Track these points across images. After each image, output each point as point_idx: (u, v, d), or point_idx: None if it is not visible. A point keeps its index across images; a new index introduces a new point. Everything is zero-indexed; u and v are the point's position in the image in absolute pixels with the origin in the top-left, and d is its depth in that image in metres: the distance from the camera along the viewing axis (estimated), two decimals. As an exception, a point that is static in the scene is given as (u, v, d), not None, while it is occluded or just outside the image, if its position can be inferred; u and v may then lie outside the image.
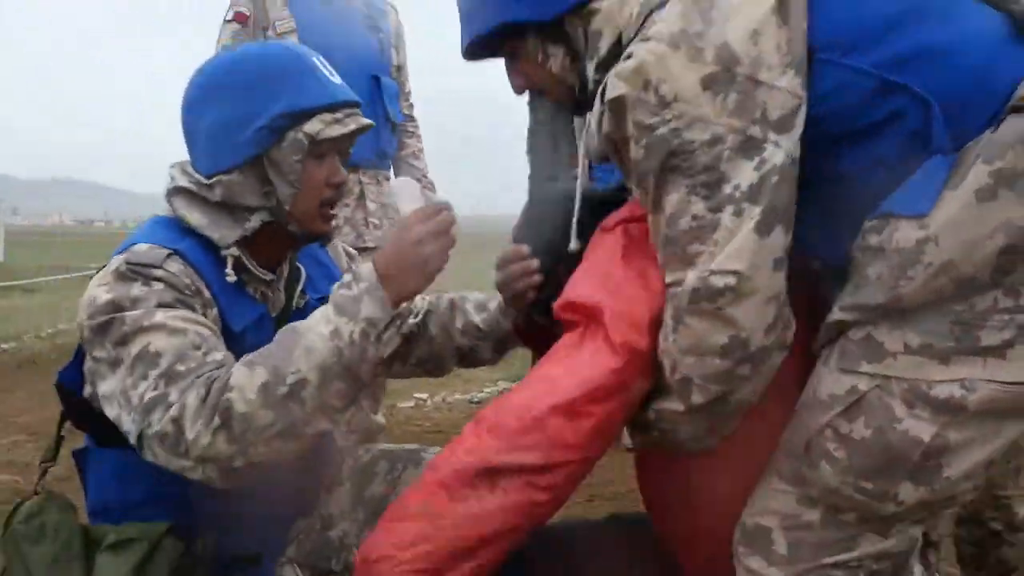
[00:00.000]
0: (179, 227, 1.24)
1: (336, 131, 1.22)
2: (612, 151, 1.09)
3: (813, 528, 1.05)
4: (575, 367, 1.09)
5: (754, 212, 0.98)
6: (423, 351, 1.54)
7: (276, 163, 1.21)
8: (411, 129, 2.80)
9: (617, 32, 1.13)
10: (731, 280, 0.99)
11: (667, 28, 1.01)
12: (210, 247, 1.23)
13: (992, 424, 0.97)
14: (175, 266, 1.18)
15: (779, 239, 1.00)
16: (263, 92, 1.19)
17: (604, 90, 1.06)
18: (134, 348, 1.12)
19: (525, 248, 1.32)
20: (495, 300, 1.46)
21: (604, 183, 1.35)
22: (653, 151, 1.01)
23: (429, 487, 1.09)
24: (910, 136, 0.99)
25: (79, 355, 1.24)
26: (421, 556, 1.06)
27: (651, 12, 1.05)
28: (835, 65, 1.01)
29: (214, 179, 1.21)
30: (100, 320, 1.14)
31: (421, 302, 1.53)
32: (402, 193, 1.39)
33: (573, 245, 1.24)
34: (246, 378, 1.10)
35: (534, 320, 1.35)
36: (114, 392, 1.14)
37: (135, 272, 1.16)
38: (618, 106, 1.03)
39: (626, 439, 1.18)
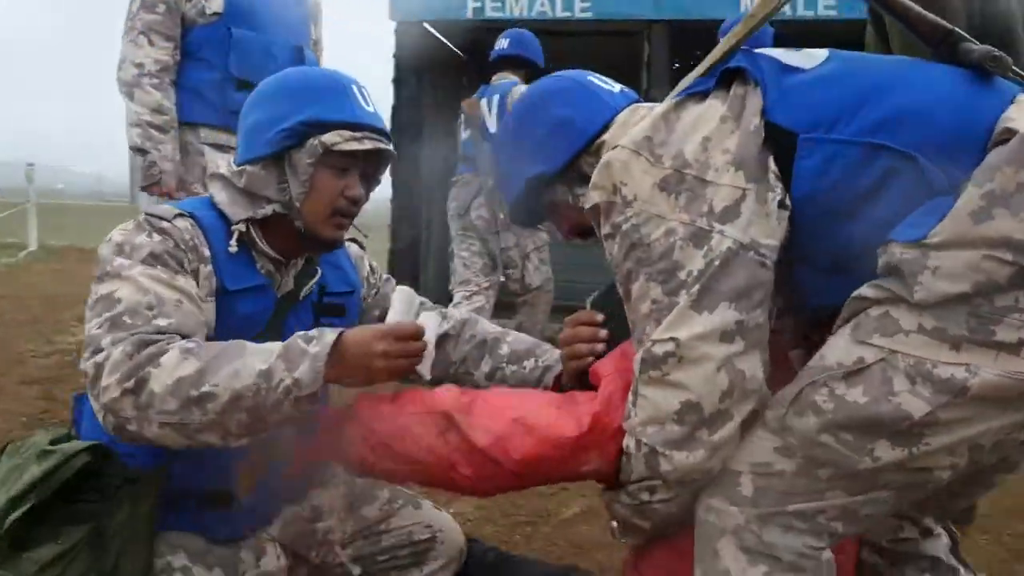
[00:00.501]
0: (209, 203, 1.38)
1: (350, 146, 1.32)
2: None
3: (784, 476, 1.07)
4: (559, 412, 1.22)
5: (694, 289, 1.07)
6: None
7: (293, 164, 1.34)
8: None
9: None
10: (670, 347, 1.08)
11: (633, 136, 1.15)
12: (227, 222, 1.35)
13: (990, 409, 0.98)
14: (182, 223, 1.31)
15: (725, 315, 1.07)
16: (296, 101, 1.34)
17: (585, 203, 1.19)
18: (103, 289, 1.22)
19: (599, 316, 1.38)
20: (533, 357, 1.52)
21: None
22: (621, 245, 1.13)
23: (403, 400, 1.28)
24: (912, 187, 1.04)
25: None
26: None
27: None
28: (820, 142, 1.08)
29: (241, 167, 1.36)
30: (104, 255, 1.27)
31: (442, 322, 1.54)
32: (398, 301, 1.40)
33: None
34: (174, 363, 1.15)
35: (580, 381, 1.38)
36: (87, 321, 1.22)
37: (148, 222, 1.29)
38: (595, 211, 1.17)
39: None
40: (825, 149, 1.08)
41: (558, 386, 1.46)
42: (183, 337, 1.20)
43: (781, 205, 1.09)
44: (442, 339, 1.51)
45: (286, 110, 1.34)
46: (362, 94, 1.39)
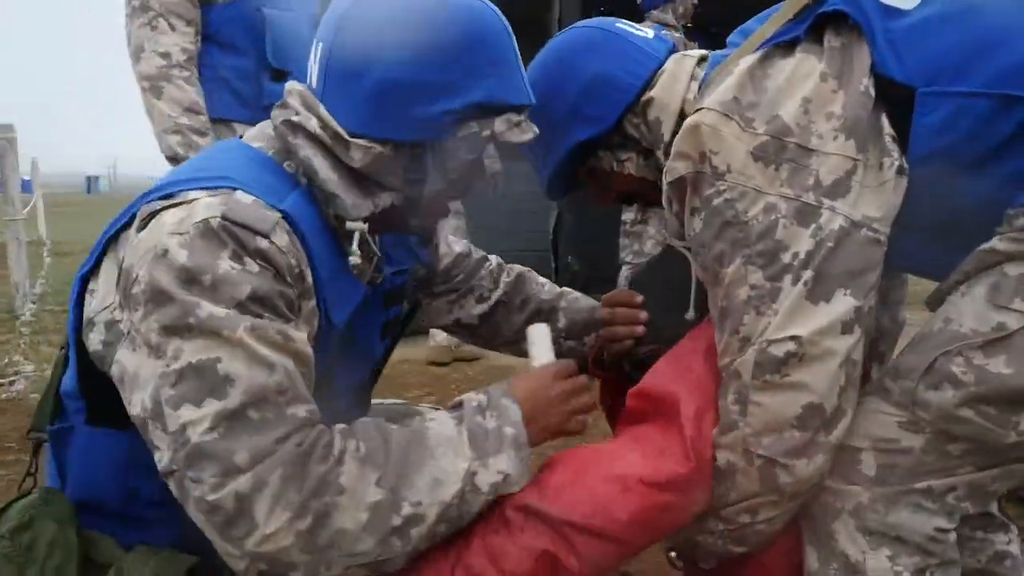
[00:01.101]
0: (285, 171, 0.99)
1: (516, 136, 1.03)
2: (683, 228, 1.09)
3: (911, 453, 1.00)
4: (647, 451, 1.06)
5: (807, 276, 0.97)
6: (482, 331, 1.42)
7: (443, 153, 1.01)
8: None
9: (676, 113, 1.15)
10: (791, 346, 0.97)
11: (720, 97, 1.02)
12: (314, 202, 0.98)
13: None
14: (283, 238, 0.92)
15: (844, 304, 0.98)
16: (466, 67, 0.97)
17: (665, 179, 1.07)
18: (193, 352, 0.85)
19: (639, 297, 1.30)
20: (593, 333, 1.38)
21: None
22: (710, 222, 1.01)
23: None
24: None
25: (82, 284, 0.99)
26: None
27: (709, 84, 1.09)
28: (943, 96, 0.98)
29: (361, 141, 0.97)
30: (163, 286, 0.85)
31: (492, 287, 1.40)
32: (536, 340, 1.20)
33: (690, 315, 1.23)
34: (357, 482, 0.88)
35: (616, 365, 1.33)
36: (143, 383, 0.87)
37: (231, 235, 0.87)
38: (679, 182, 1.05)
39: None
40: (949, 103, 0.98)
41: (596, 357, 1.37)
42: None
43: (900, 171, 1.00)
44: (494, 307, 1.39)
45: (451, 78, 0.96)
46: (516, 48, 1.05)
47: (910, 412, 1.00)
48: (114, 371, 0.91)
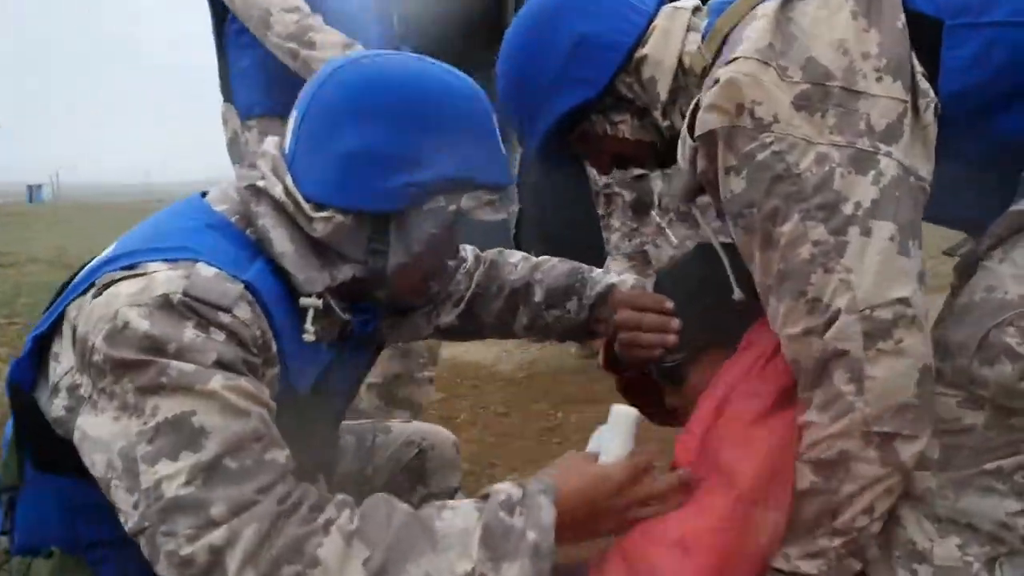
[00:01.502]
0: (247, 238, 0.97)
1: (486, 215, 1.01)
2: (709, 190, 1.03)
3: (974, 432, 0.97)
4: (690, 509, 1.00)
5: (886, 229, 0.91)
6: (465, 328, 1.36)
7: (406, 226, 0.99)
8: None
9: (672, 69, 1.10)
10: (899, 308, 0.91)
11: (754, 45, 0.95)
12: (277, 272, 0.96)
13: None
14: (245, 312, 0.90)
15: (918, 256, 0.94)
16: (435, 141, 0.96)
17: (692, 125, 1.00)
18: (169, 408, 0.83)
19: (669, 303, 1.16)
20: (574, 296, 1.31)
21: None
22: (757, 180, 0.93)
23: None
24: None
25: (36, 345, 0.96)
26: None
27: (727, 34, 1.01)
28: (973, 27, 0.94)
29: (324, 213, 0.96)
30: (127, 356, 0.84)
31: (468, 284, 1.33)
32: (619, 423, 1.07)
33: (737, 295, 1.10)
34: (338, 560, 0.84)
35: (635, 367, 1.22)
36: (108, 445, 0.84)
37: (192, 310, 0.86)
38: (710, 138, 0.96)
39: None
40: (979, 35, 0.94)
41: (608, 354, 1.27)
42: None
43: (936, 112, 0.96)
44: (470, 302, 1.33)
45: (415, 151, 0.96)
46: (496, 125, 1.05)
47: (967, 391, 0.96)
48: (76, 436, 0.89)
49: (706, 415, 1.05)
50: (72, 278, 0.99)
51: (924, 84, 0.96)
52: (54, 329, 0.95)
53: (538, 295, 1.32)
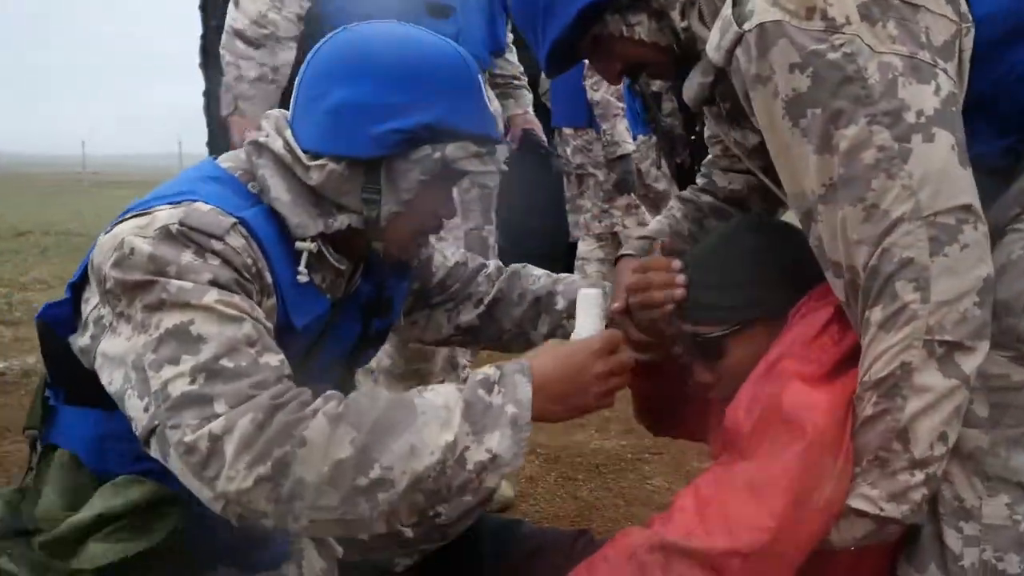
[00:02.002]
0: (249, 191, 1.09)
1: (474, 166, 1.10)
2: (742, 92, 1.00)
3: (1021, 389, 0.97)
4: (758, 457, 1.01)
5: (947, 139, 0.92)
6: (485, 330, 1.43)
7: (395, 173, 1.08)
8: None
9: None
10: (962, 215, 0.92)
11: None
12: (278, 219, 1.07)
13: None
14: (238, 240, 1.01)
15: (970, 172, 0.93)
16: (418, 91, 1.06)
17: (738, 19, 0.97)
18: (170, 320, 0.95)
19: (676, 262, 1.18)
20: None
21: None
22: (824, 79, 0.92)
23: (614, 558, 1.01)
24: None
25: (72, 291, 1.09)
26: None
27: None
28: None
29: (318, 161, 1.06)
30: (134, 277, 0.96)
31: (488, 288, 1.41)
32: (583, 306, 1.12)
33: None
34: (324, 438, 0.92)
35: (651, 335, 1.23)
36: (123, 359, 0.97)
37: (188, 238, 0.98)
38: (768, 34, 0.94)
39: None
40: None
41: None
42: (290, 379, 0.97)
43: (972, 39, 0.97)
44: (491, 305, 1.40)
45: (401, 100, 1.05)
46: (486, 86, 1.13)
47: (1015, 349, 0.97)
48: (97, 361, 1.00)
49: (758, 376, 1.06)
50: None
51: (964, 7, 0.96)
52: (84, 277, 1.06)
53: (560, 304, 1.38)
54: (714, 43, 1.02)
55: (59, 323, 1.09)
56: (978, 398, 0.99)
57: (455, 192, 1.98)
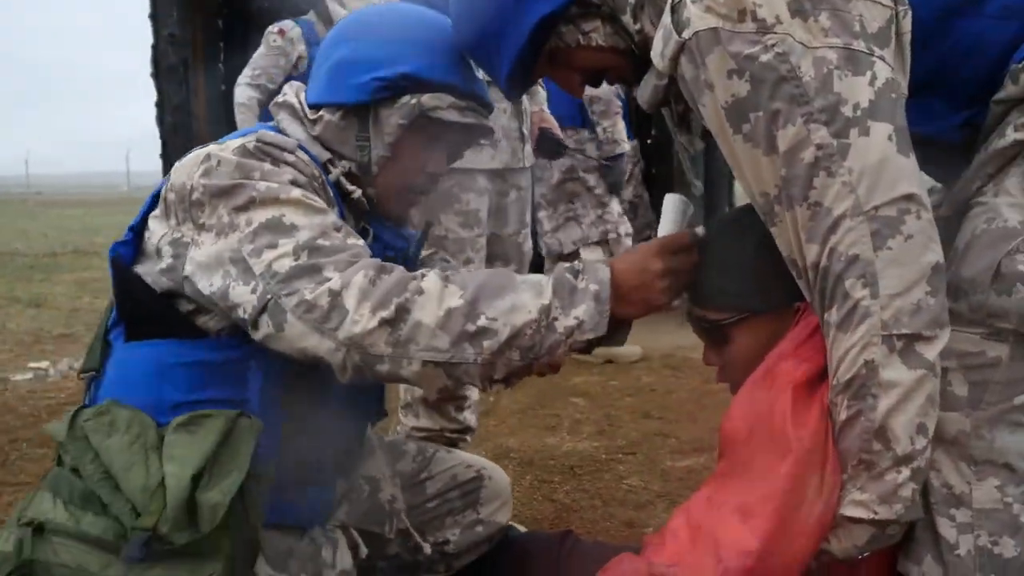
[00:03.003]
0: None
1: (451, 116, 1.20)
2: (690, 93, 1.00)
3: (1000, 366, 0.96)
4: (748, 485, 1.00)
5: (884, 129, 0.91)
6: None
7: (380, 120, 1.21)
8: None
9: None
10: (904, 204, 0.90)
11: None
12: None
13: None
14: (304, 156, 1.17)
15: (915, 162, 0.93)
16: (399, 47, 1.20)
17: (677, 28, 0.97)
18: (262, 215, 1.06)
19: (689, 235, 1.16)
20: None
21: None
22: (761, 82, 0.92)
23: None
24: None
25: (135, 231, 1.18)
26: None
27: None
28: None
29: (319, 112, 1.22)
30: (223, 183, 1.08)
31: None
32: (670, 211, 1.19)
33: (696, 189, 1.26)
34: (438, 290, 1.04)
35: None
36: (220, 258, 1.06)
37: (265, 152, 1.12)
38: (703, 42, 0.94)
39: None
40: None
41: None
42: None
43: (910, 22, 0.96)
44: None
45: (385, 54, 1.19)
46: (472, 63, 1.24)
47: (987, 326, 0.96)
48: (187, 269, 1.09)
49: (756, 380, 1.05)
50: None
51: None
52: (144, 218, 1.18)
53: None
54: (658, 51, 1.02)
55: (127, 259, 1.18)
56: (956, 378, 0.98)
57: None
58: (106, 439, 1.08)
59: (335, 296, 1.02)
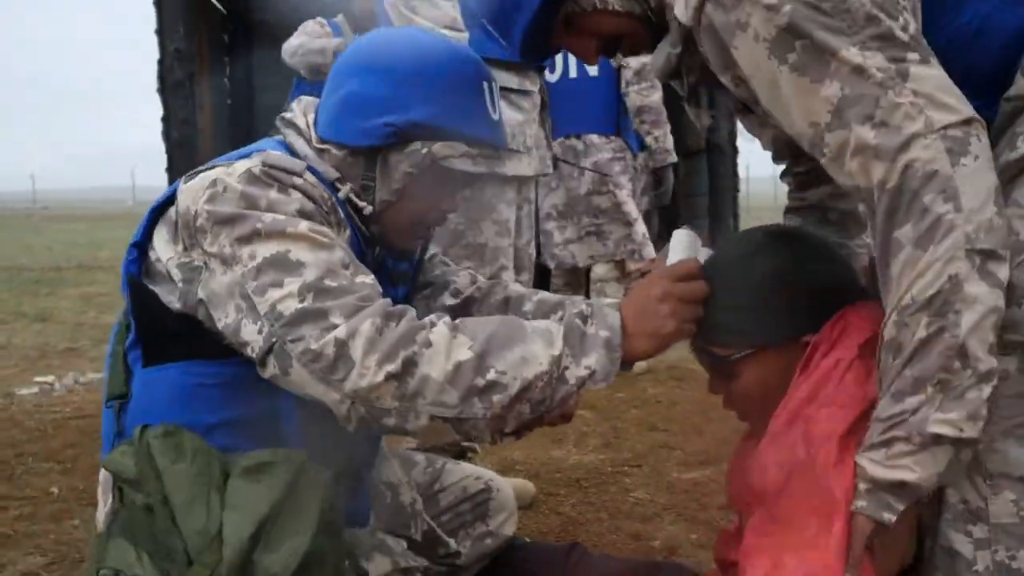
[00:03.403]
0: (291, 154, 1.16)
1: (464, 166, 1.17)
2: (718, 49, 1.00)
3: (1009, 378, 0.94)
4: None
5: (935, 58, 0.92)
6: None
7: (388, 165, 1.15)
8: None
9: None
10: (967, 128, 0.90)
11: None
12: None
13: None
14: (312, 178, 1.11)
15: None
16: (415, 90, 1.13)
17: None
18: (266, 250, 1.01)
19: (697, 260, 1.13)
20: (560, 310, 1.31)
21: None
22: (806, 12, 0.91)
23: None
24: None
25: (138, 247, 1.13)
26: None
27: None
28: None
29: (326, 146, 1.17)
30: (227, 211, 1.03)
31: (468, 284, 1.41)
32: (677, 244, 1.14)
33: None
34: (446, 342, 1.00)
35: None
36: (228, 292, 1.02)
37: (271, 177, 1.07)
38: None
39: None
40: None
41: None
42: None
43: None
44: (466, 301, 1.39)
45: (399, 96, 1.13)
46: (493, 94, 1.19)
47: (996, 338, 0.93)
48: (201, 294, 1.05)
49: (781, 428, 1.01)
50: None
51: None
52: (146, 237, 1.13)
53: (527, 306, 1.36)
54: (682, 3, 1.01)
55: (139, 277, 1.13)
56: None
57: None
58: (171, 464, 1.04)
59: (341, 346, 0.98)
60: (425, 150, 1.14)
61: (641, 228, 3.70)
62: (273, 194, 1.06)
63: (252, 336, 1.01)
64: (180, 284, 1.08)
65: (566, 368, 1.03)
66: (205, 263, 1.05)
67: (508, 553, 1.54)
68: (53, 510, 2.24)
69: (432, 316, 1.05)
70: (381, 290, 1.06)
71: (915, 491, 0.94)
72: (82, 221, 19.09)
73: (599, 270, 3.76)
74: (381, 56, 1.17)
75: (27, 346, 4.69)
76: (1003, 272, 0.90)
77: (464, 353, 1.00)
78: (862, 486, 0.95)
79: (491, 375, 1.00)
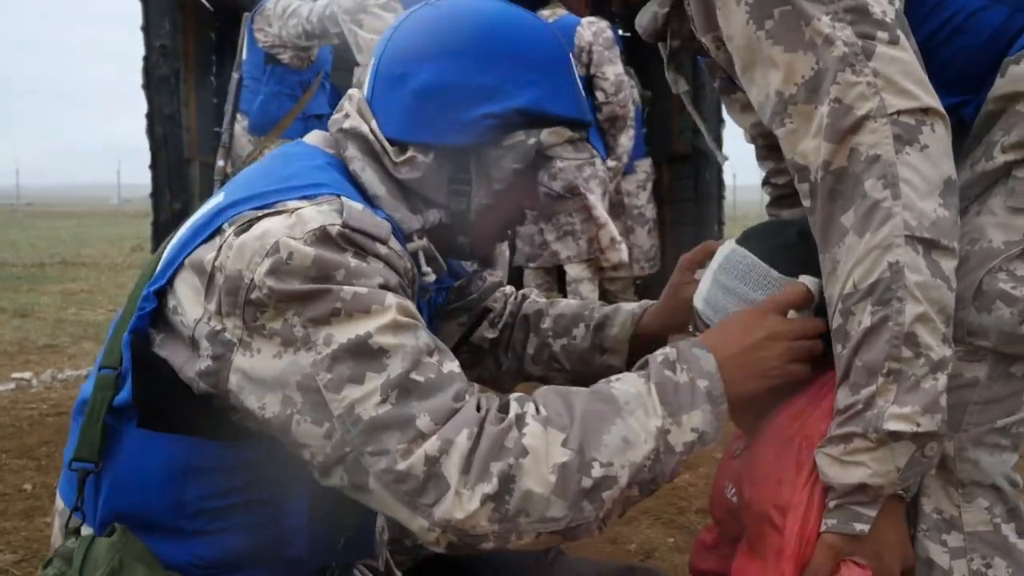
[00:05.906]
0: (352, 184, 0.98)
1: (567, 152, 1.03)
2: (703, 8, 0.99)
3: (977, 386, 0.94)
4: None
5: (908, 41, 0.89)
6: (487, 371, 1.30)
7: (487, 162, 0.99)
8: None
9: None
10: (922, 117, 0.87)
11: None
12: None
13: None
14: (397, 245, 0.92)
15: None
16: (511, 73, 0.97)
17: None
18: (344, 333, 0.83)
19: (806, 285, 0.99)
20: (581, 323, 1.24)
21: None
22: None
23: None
24: None
25: (152, 299, 0.92)
26: None
27: None
28: None
29: (407, 154, 0.98)
30: (298, 288, 0.83)
31: (502, 307, 1.30)
32: (733, 267, 1.03)
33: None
34: (543, 443, 0.84)
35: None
36: (283, 380, 0.84)
37: (351, 241, 0.87)
38: None
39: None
40: None
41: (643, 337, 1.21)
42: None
43: None
44: (503, 330, 1.29)
45: (498, 83, 0.96)
46: (573, 66, 1.04)
47: (965, 344, 0.93)
48: (232, 381, 0.86)
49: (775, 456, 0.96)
50: (170, 238, 0.97)
51: None
52: (170, 282, 0.91)
53: (546, 323, 1.27)
54: None
55: (146, 332, 0.93)
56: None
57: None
58: None
59: (432, 464, 0.81)
60: (532, 140, 0.98)
61: (610, 232, 3.68)
62: (352, 261, 0.86)
63: (314, 439, 0.84)
64: (209, 362, 0.88)
65: (669, 432, 0.87)
66: (241, 338, 0.86)
67: (480, 558, 1.52)
68: (25, 507, 2.23)
69: (513, 403, 0.88)
70: (465, 379, 0.89)
71: (877, 492, 0.91)
72: (67, 218, 19.13)
73: (573, 270, 3.74)
74: (454, 36, 0.98)
75: (6, 341, 4.66)
76: (948, 264, 0.87)
77: (563, 453, 0.84)
78: (831, 503, 0.91)
79: (596, 471, 0.84)
